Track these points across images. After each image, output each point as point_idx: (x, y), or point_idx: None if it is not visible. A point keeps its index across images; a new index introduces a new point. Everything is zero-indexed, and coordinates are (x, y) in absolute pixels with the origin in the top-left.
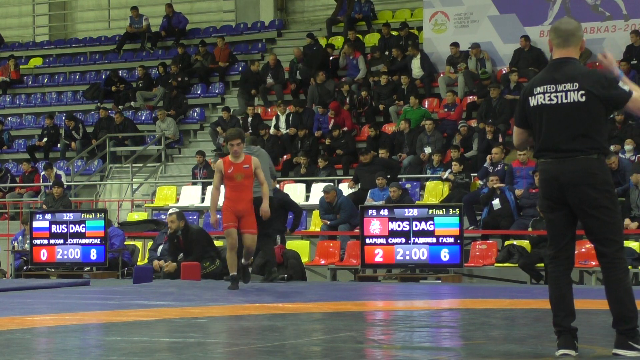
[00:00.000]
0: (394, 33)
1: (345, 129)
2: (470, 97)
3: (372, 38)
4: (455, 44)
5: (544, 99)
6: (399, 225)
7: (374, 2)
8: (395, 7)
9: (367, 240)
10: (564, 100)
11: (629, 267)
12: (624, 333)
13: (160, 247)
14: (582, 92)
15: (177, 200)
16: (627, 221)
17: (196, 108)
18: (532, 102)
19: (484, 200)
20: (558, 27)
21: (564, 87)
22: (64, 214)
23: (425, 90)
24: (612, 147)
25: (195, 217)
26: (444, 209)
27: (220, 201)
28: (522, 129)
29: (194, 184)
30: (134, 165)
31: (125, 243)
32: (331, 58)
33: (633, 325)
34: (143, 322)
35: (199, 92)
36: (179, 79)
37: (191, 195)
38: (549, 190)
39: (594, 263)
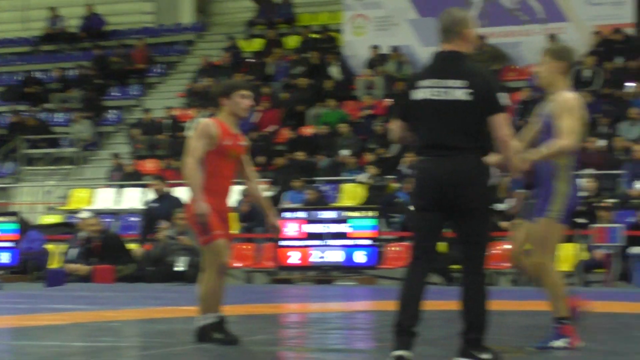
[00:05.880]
0: (314, 36)
1: (267, 130)
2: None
3: (291, 40)
4: (375, 47)
5: (429, 94)
6: (314, 228)
7: (294, 5)
8: (315, 10)
9: (283, 243)
10: (449, 97)
11: None
12: (470, 341)
13: (74, 251)
14: (468, 90)
15: (92, 203)
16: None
17: (113, 110)
18: (416, 95)
19: (400, 208)
20: (439, 19)
21: (450, 83)
22: None
23: (344, 93)
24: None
25: (110, 220)
26: (360, 211)
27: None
28: (402, 123)
29: (109, 186)
30: (48, 167)
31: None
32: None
33: (481, 335)
34: (55, 326)
35: (116, 94)
36: (96, 81)
37: (106, 198)
38: (427, 189)
39: (508, 264)
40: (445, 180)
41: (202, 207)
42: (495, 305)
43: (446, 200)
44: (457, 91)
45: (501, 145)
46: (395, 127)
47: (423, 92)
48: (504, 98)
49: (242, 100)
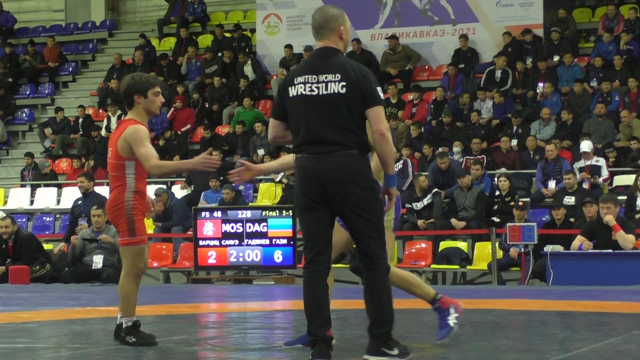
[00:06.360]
0: (227, 35)
1: (182, 129)
2: None
3: (205, 39)
4: (288, 46)
5: (305, 89)
6: (232, 227)
7: (207, 3)
8: (228, 9)
9: (201, 242)
10: (325, 92)
11: (457, 266)
12: (378, 337)
13: None
14: (343, 83)
15: (6, 202)
16: (454, 221)
17: (25, 109)
18: (292, 92)
19: None
20: (312, 17)
21: (325, 77)
22: None
23: (258, 92)
24: (440, 149)
25: (24, 220)
26: (277, 211)
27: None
28: (279, 121)
29: (23, 186)
30: None
31: None
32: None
33: (388, 330)
34: None
35: (27, 92)
36: (7, 80)
37: (20, 198)
38: (309, 187)
39: (423, 263)
40: (327, 176)
41: (198, 162)
42: (413, 303)
43: (330, 197)
44: (332, 85)
45: (378, 140)
46: (271, 126)
47: (298, 88)
48: (379, 92)
49: (157, 98)
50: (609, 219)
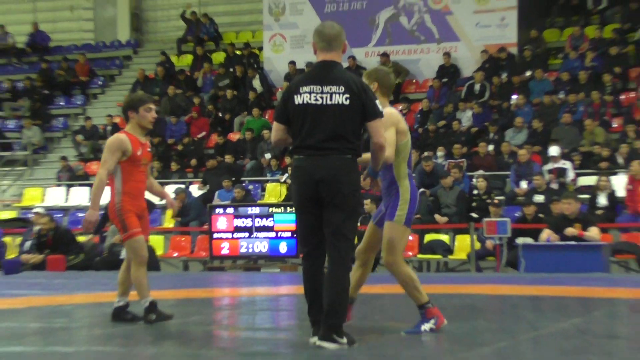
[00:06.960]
0: (238, 52)
1: (198, 136)
2: None
3: (218, 56)
4: (292, 63)
5: (310, 98)
6: (243, 222)
7: (219, 24)
8: (239, 29)
9: (215, 235)
10: (329, 102)
11: (440, 256)
12: (331, 326)
13: (28, 243)
14: (347, 95)
15: (43, 200)
16: (437, 217)
17: (59, 118)
18: (298, 100)
19: None
20: (322, 32)
21: (330, 89)
22: None
23: (265, 103)
24: (425, 153)
25: (60, 215)
26: (282, 207)
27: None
28: (282, 126)
29: (59, 185)
30: (2, 169)
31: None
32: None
33: (340, 321)
34: (12, 310)
35: (62, 103)
36: (43, 92)
37: (56, 197)
38: (304, 187)
39: (410, 253)
40: (320, 176)
41: (92, 215)
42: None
43: (320, 195)
44: (336, 96)
45: (377, 150)
46: (275, 130)
47: (304, 97)
48: (378, 105)
49: (148, 113)
50: (572, 231)
